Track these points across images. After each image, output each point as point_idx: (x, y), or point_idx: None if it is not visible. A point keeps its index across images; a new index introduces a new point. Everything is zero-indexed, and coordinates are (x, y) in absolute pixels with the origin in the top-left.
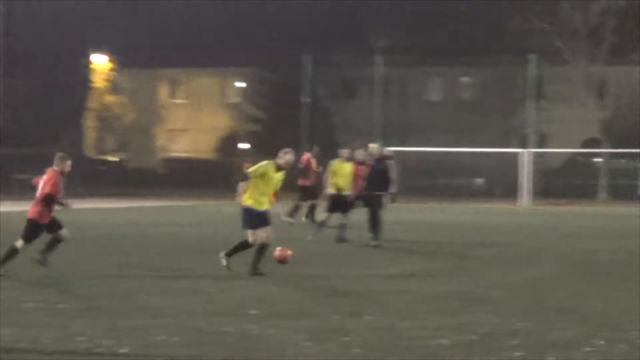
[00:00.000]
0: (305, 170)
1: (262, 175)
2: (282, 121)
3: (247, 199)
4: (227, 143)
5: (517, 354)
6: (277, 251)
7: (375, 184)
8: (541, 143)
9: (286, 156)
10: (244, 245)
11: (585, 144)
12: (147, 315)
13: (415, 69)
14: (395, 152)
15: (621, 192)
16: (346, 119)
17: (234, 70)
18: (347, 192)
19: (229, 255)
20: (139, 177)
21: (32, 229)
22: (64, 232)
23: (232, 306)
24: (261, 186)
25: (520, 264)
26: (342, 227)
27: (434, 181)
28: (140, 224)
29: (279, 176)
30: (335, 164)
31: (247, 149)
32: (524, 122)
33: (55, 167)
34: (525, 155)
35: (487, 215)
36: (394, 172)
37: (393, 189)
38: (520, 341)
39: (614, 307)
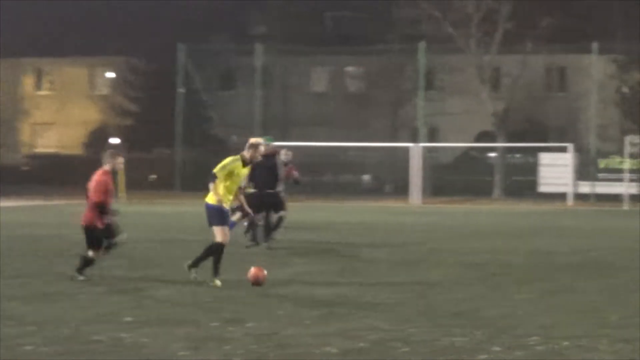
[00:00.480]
0: None
1: (231, 173)
2: (156, 114)
3: (213, 197)
4: (97, 137)
5: None
6: (254, 270)
7: (266, 182)
8: (432, 137)
9: (258, 148)
10: (214, 249)
11: (478, 138)
12: (12, 323)
13: (298, 58)
14: (278, 147)
15: (517, 189)
16: (225, 111)
17: (103, 59)
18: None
19: (195, 265)
20: (0, 174)
21: (92, 235)
22: (121, 236)
23: (105, 313)
24: (229, 184)
25: (413, 266)
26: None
27: (319, 178)
28: (1, 226)
29: (245, 171)
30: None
31: (119, 143)
32: (414, 114)
33: (106, 167)
34: (416, 149)
35: (376, 213)
36: (281, 169)
37: (280, 186)
38: (413, 348)
39: (512, 312)
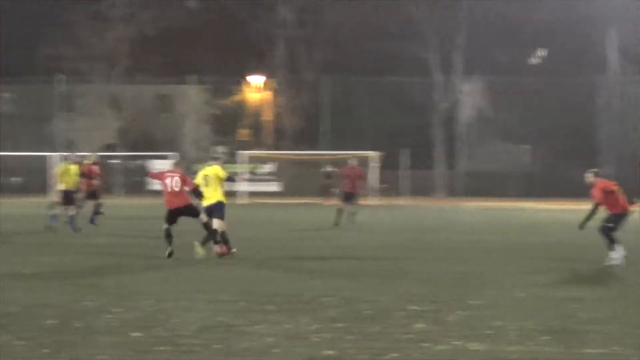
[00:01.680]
0: (90, 175)
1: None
2: None
3: (221, 196)
4: None
5: (49, 322)
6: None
7: None
8: (69, 147)
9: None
10: (212, 231)
11: (104, 148)
12: None
13: None
14: None
15: (135, 188)
16: None
17: None
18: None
19: (203, 244)
20: None
21: (194, 209)
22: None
23: None
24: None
25: (62, 252)
26: (72, 217)
27: None
28: None
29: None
30: (64, 166)
31: None
32: (54, 130)
33: (179, 168)
34: (54, 158)
35: (26, 208)
36: None
37: None
38: (55, 310)
39: (127, 282)
